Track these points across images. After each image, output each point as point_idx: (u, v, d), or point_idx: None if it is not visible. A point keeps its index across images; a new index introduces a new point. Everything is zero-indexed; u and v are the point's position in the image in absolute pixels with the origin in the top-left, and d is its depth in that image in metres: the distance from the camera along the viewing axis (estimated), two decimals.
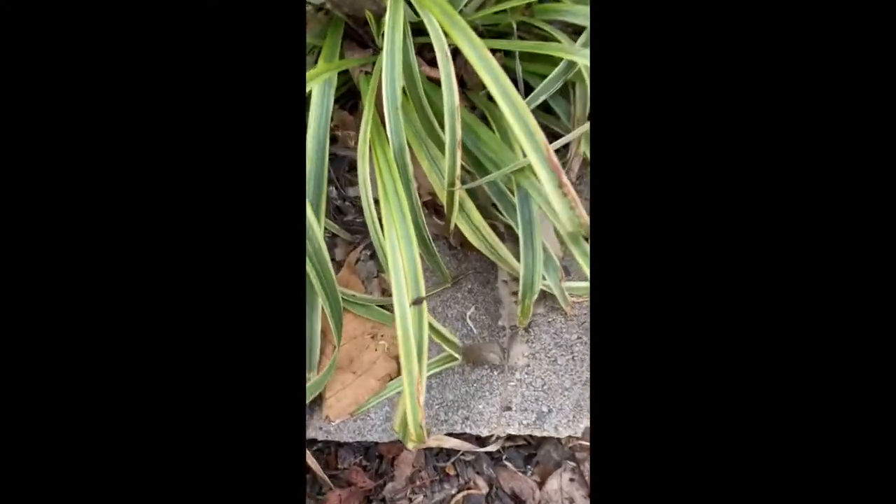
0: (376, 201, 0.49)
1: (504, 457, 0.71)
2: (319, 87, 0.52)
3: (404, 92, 0.51)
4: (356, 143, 0.52)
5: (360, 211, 0.70)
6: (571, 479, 0.76)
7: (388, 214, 0.45)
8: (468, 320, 0.67)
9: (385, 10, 0.49)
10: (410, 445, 0.47)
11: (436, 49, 0.44)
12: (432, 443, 0.55)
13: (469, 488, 0.73)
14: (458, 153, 0.47)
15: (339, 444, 0.69)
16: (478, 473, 0.74)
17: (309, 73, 0.50)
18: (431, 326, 0.56)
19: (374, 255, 0.72)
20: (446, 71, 0.44)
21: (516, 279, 0.66)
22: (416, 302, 0.42)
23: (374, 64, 0.57)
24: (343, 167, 0.74)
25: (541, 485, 0.75)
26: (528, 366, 0.64)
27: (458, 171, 0.48)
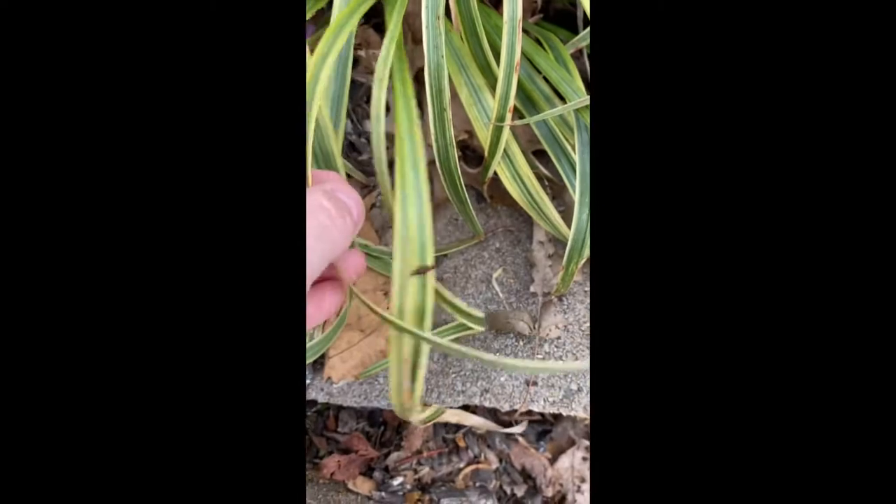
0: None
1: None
2: None
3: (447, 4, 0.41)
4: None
5: None
6: (584, 458, 0.71)
7: (399, 159, 0.34)
8: (494, 283, 0.59)
9: None
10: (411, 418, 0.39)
11: None
12: (451, 418, 0.49)
13: (478, 462, 0.68)
14: (516, 77, 0.38)
15: (341, 408, 0.63)
16: (488, 447, 0.69)
17: None
18: (443, 297, 0.48)
19: None
20: None
21: (554, 240, 0.58)
22: (420, 271, 0.31)
23: None
24: (360, 96, 0.64)
25: (552, 462, 0.71)
26: (560, 338, 0.57)
27: (513, 101, 0.39)
